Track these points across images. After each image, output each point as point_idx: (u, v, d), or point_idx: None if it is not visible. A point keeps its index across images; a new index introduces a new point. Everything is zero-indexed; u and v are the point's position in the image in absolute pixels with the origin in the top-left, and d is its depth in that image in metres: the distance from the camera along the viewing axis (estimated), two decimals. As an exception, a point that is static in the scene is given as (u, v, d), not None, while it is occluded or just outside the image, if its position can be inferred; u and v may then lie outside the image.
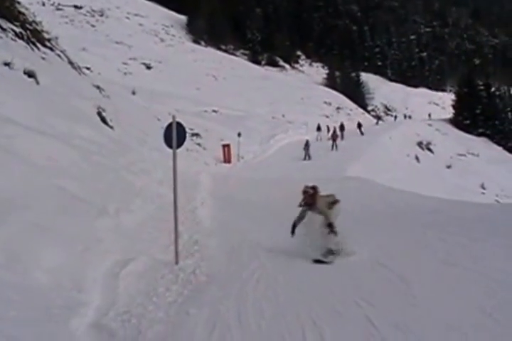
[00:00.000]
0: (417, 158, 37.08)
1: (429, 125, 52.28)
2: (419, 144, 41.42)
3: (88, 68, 35.43)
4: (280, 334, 4.68)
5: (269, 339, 4.61)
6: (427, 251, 7.17)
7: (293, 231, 7.27)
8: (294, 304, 5.39)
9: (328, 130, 38.94)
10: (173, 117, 7.20)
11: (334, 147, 30.68)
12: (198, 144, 29.11)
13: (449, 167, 39.52)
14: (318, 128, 39.64)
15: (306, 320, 4.92)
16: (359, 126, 39.84)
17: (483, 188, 36.28)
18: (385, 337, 4.40)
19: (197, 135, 29.75)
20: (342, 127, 36.77)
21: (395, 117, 69.74)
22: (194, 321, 5.09)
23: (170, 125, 7.12)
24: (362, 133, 38.04)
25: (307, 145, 28.60)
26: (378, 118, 66.29)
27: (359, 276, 6.28)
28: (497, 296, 5.15)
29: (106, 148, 12.03)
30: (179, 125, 7.14)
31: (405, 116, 69.89)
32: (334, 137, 31.67)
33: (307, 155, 28.30)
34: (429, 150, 42.00)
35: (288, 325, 4.85)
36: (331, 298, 5.54)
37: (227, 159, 27.83)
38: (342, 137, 34.68)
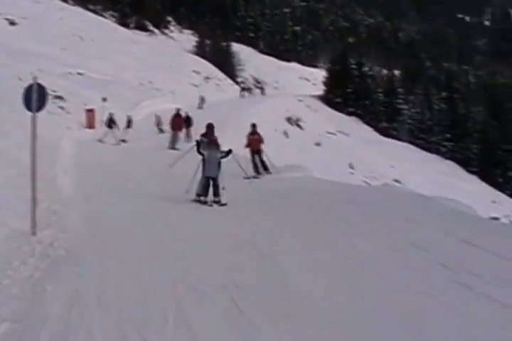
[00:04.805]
0: (285, 133, 36.07)
1: (300, 100, 51.68)
2: (289, 120, 40.43)
3: None
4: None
5: (129, 320, 4.31)
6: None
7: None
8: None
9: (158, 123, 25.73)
10: (34, 78, 6.72)
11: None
12: (61, 108, 26.98)
13: (318, 144, 38.47)
14: (110, 122, 22.82)
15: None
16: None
17: (352, 168, 35.63)
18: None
19: (60, 98, 27.49)
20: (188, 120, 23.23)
21: (262, 90, 57.10)
22: (51, 299, 4.74)
23: (30, 86, 6.70)
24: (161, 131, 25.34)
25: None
26: (243, 89, 51.38)
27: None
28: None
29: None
30: (40, 87, 6.71)
31: (261, 89, 56.08)
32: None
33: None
34: (299, 126, 41.35)
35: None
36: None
37: (90, 124, 26.47)
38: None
